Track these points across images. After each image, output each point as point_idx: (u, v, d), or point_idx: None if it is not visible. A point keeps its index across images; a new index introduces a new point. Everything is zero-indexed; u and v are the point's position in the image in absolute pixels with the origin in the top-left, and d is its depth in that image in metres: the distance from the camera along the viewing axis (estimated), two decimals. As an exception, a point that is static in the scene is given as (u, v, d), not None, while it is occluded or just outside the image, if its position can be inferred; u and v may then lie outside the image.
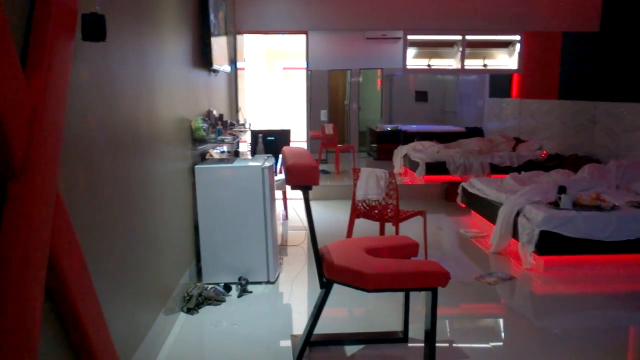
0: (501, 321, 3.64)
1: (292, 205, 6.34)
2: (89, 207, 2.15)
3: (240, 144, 5.90)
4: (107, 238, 2.34)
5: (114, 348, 2.20)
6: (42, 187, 1.64)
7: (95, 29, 2.06)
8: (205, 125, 4.03)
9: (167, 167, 3.36)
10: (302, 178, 2.55)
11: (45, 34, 1.72)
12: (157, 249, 3.10)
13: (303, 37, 7.26)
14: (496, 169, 7.20)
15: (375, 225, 4.54)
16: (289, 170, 2.53)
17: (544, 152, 7.44)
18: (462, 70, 7.33)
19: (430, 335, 2.61)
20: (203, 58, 4.51)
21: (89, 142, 2.18)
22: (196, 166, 3.94)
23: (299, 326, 3.31)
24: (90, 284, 2.00)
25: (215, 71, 5.08)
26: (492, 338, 3.34)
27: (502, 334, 3.44)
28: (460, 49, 7.18)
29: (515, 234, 4.60)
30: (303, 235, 5.42)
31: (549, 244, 4.28)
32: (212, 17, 4.54)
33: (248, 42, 8.15)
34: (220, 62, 5.02)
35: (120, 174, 2.52)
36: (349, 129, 10.74)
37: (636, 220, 4.33)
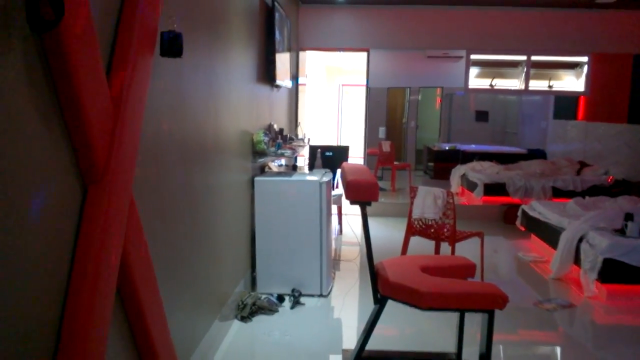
0: (559, 350, 3.52)
1: (347, 221, 6.37)
2: (157, 213, 2.26)
3: (298, 158, 6.00)
4: (171, 244, 2.45)
5: (174, 350, 2.29)
6: (119, 193, 1.75)
7: (172, 46, 2.19)
8: (266, 139, 4.15)
9: (229, 178, 3.48)
10: (361, 194, 2.57)
11: (128, 50, 1.85)
12: (216, 257, 3.20)
13: (363, 54, 7.33)
14: (558, 193, 6.98)
15: (431, 244, 4.50)
16: (349, 186, 2.56)
17: (610, 177, 7.15)
18: (526, 91, 7.18)
19: (485, 359, 2.56)
20: (267, 74, 4.65)
21: (161, 152, 2.30)
22: (256, 178, 4.05)
23: (350, 341, 3.33)
24: (156, 288, 2.10)
25: (277, 86, 5.21)
26: (550, 367, 3.24)
27: (560, 364, 3.33)
28: (525, 69, 7.04)
29: (577, 261, 4.45)
30: (357, 251, 5.43)
31: (613, 272, 4.12)
32: (277, 34, 4.68)
33: (309, 59, 8.30)
34: (283, 77, 5.15)
35: (187, 183, 2.64)
36: (406, 147, 10.68)
37: None
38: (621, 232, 4.34)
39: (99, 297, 1.64)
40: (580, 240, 4.44)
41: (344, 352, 3.16)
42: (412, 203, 4.40)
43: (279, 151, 4.40)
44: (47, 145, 1.46)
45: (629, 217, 4.36)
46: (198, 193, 2.84)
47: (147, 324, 2.01)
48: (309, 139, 6.02)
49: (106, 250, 1.68)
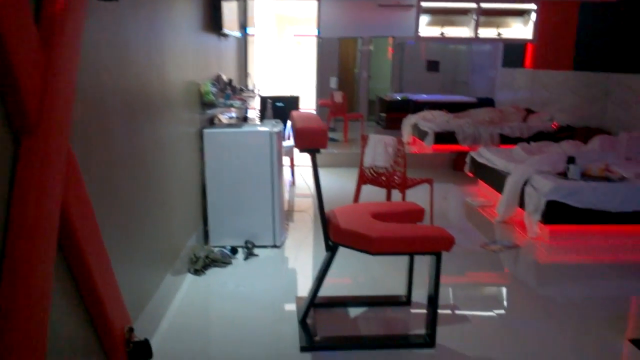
0: (504, 289, 3.68)
1: (299, 172, 6.36)
2: (100, 167, 2.18)
3: (249, 110, 5.89)
4: (118, 198, 2.38)
5: (124, 304, 2.26)
6: (55, 143, 1.67)
7: (106, -13, 2.05)
8: (214, 90, 4.03)
9: (176, 130, 3.38)
10: (310, 141, 2.55)
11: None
12: (166, 210, 3.14)
13: (314, 2, 7.16)
14: (506, 140, 7.16)
15: (382, 192, 4.56)
16: (298, 134, 2.53)
17: (555, 123, 7.38)
18: (476, 39, 7.21)
19: (433, 300, 2.65)
20: (213, 22, 4.48)
21: (103, 103, 2.20)
22: (205, 130, 3.96)
23: (304, 289, 3.37)
24: (100, 241, 2.04)
25: (225, 35, 5.04)
26: (495, 305, 3.39)
27: (505, 302, 3.49)
28: (475, 17, 7.05)
29: (521, 203, 4.61)
30: (310, 202, 5.46)
31: (556, 213, 4.30)
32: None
33: (259, 8, 8.06)
34: (231, 26, 4.98)
35: (131, 136, 2.54)
36: (358, 98, 10.67)
37: (644, 192, 4.32)
38: (564, 175, 4.50)
39: (39, 250, 1.58)
40: (525, 184, 4.59)
41: (298, 299, 3.20)
42: (363, 152, 4.41)
43: (228, 102, 4.30)
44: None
45: (571, 160, 4.52)
46: (144, 146, 2.75)
47: (93, 279, 1.96)
48: (259, 90, 5.90)
49: (44, 204, 1.61)
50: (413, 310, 3.12)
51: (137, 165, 2.63)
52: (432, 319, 2.67)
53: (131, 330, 2.27)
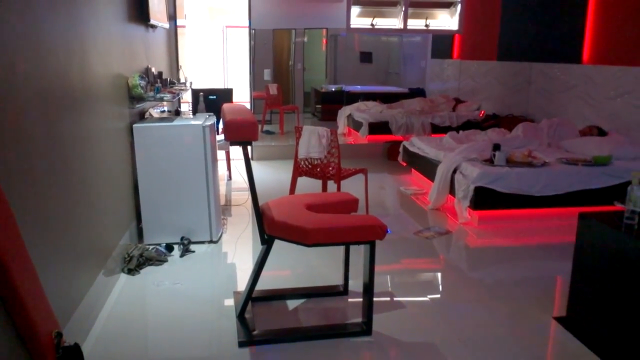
0: (438, 274, 3.81)
1: (235, 166, 6.29)
2: (17, 165, 2.07)
3: (182, 104, 5.77)
4: (40, 198, 2.26)
5: (52, 310, 2.16)
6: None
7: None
8: (142, 83, 3.91)
9: (103, 126, 3.26)
10: (241, 133, 2.53)
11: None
12: (94, 209, 3.03)
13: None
14: (437, 129, 7.37)
15: (318, 183, 4.59)
16: (228, 126, 2.50)
17: (482, 112, 7.66)
18: (405, 30, 7.35)
19: (368, 288, 2.70)
20: (140, 12, 4.33)
21: (16, 97, 2.08)
22: (134, 125, 3.83)
23: (243, 284, 3.35)
24: (22, 246, 1.94)
25: (153, 27, 4.90)
26: (429, 290, 3.50)
27: (439, 287, 3.61)
28: (403, 8, 7.19)
29: (452, 191, 4.77)
30: (246, 196, 5.41)
31: (483, 199, 4.47)
32: (147, -31, 4.34)
33: (188, -2, 7.87)
34: (159, 17, 4.84)
35: (51, 131, 2.43)
36: (294, 90, 10.65)
37: (565, 176, 4.57)
38: (490, 162, 4.69)
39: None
40: (455, 171, 4.75)
41: (235, 294, 3.18)
42: (297, 143, 4.42)
43: (158, 95, 4.18)
44: None
45: (496, 147, 4.71)
46: (66, 142, 2.63)
47: (14, 284, 1.86)
48: (191, 83, 5.78)
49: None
50: (350, 300, 3.17)
51: (58, 163, 2.52)
52: (368, 307, 2.72)
53: (59, 335, 2.18)
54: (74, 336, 2.41)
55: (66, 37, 2.65)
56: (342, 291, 3.20)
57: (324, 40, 11.20)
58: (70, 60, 2.70)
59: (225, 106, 2.83)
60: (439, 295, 3.40)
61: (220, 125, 5.27)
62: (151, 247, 3.78)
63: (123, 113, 3.78)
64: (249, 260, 3.86)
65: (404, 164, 6.18)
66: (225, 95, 5.88)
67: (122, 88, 3.78)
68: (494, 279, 3.62)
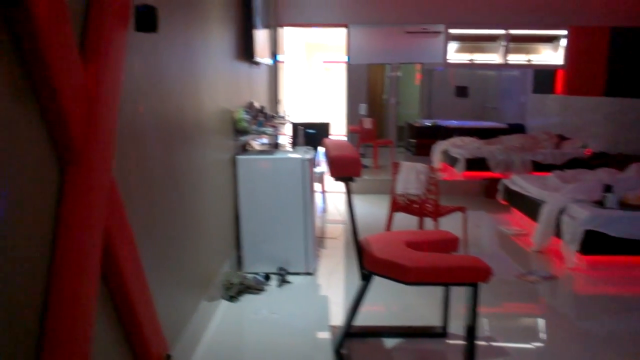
0: (543, 321, 3.58)
1: (330, 199, 6.36)
2: (139, 194, 2.22)
3: (280, 137, 5.94)
4: (155, 225, 2.41)
5: (162, 332, 2.27)
6: (99, 172, 1.70)
7: (147, 20, 2.12)
8: (247, 117, 4.09)
9: (210, 158, 3.43)
10: (345, 170, 2.56)
11: (102, 24, 1.78)
12: (201, 237, 3.17)
13: (342, 30, 7.26)
14: (538, 167, 7.05)
15: (414, 220, 4.52)
16: (332, 162, 2.54)
17: (589, 150, 7.24)
18: (505, 65, 7.19)
19: (471, 332, 2.59)
20: (245, 50, 4.56)
21: (140, 131, 2.25)
22: (238, 157, 4.00)
23: (337, 317, 3.34)
24: (140, 268, 2.06)
25: (257, 63, 5.13)
26: (534, 338, 3.29)
27: (544, 334, 3.39)
28: (504, 43, 7.04)
29: (558, 233, 4.51)
30: (341, 229, 5.43)
31: (593, 243, 4.18)
32: (255, 9, 4.59)
33: (288, 36, 8.19)
34: (262, 54, 5.06)
35: (168, 163, 2.59)
36: (387, 124, 10.66)
37: (686, 222, 4.18)
38: (600, 203, 4.40)
39: (83, 280, 1.60)
40: (561, 212, 4.50)
41: (332, 328, 3.17)
42: (395, 179, 4.40)
43: (261, 129, 4.35)
44: (21, 126, 1.40)
45: (607, 188, 4.42)
46: (180, 173, 2.79)
47: (133, 306, 1.97)
48: (290, 117, 5.96)
49: (88, 232, 1.64)
50: (450, 342, 3.06)
51: (173, 192, 2.67)
52: (470, 351, 2.61)
53: (169, 357, 2.28)
54: (179, 358, 2.50)
55: (182, 76, 2.84)
56: (441, 332, 3.09)
57: (418, 75, 11.18)
58: (184, 97, 2.89)
59: (329, 141, 2.88)
60: (544, 344, 3.19)
61: (318, 158, 5.36)
62: (250, 275, 3.88)
63: (228, 145, 3.95)
64: (342, 293, 3.85)
65: (504, 203, 5.94)
66: (323, 129, 6.00)
67: (228, 122, 3.97)
68: (606, 330, 3.35)
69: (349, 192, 2.73)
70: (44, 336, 1.48)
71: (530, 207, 5.16)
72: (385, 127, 10.72)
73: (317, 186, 5.72)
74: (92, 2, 1.77)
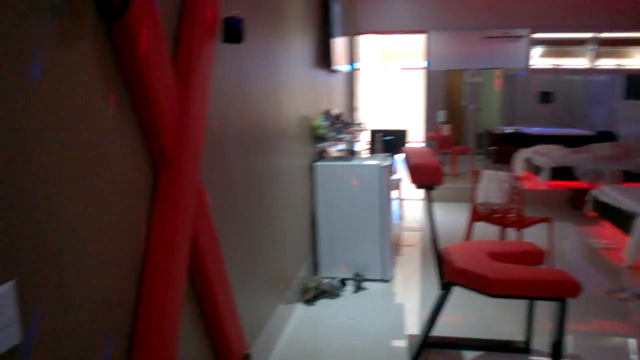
0: (634, 341, 3.35)
1: (407, 206, 6.29)
2: (222, 199, 2.30)
3: (356, 144, 5.96)
4: (236, 229, 2.48)
5: (242, 333, 2.33)
6: (188, 177, 1.78)
7: (234, 32, 2.20)
8: (325, 124, 4.13)
9: (289, 164, 3.49)
10: (426, 178, 2.53)
11: (193, 36, 1.87)
12: (279, 241, 3.23)
13: (418, 36, 7.18)
14: (630, 177, 6.61)
15: (494, 230, 4.37)
16: (413, 170, 2.51)
17: (688, 159, 6.71)
18: (594, 70, 6.83)
19: (557, 349, 2.47)
20: (324, 58, 4.62)
21: (225, 138, 2.33)
22: (315, 163, 4.05)
23: (413, 326, 3.29)
24: (224, 271, 2.13)
25: (334, 71, 5.18)
26: (624, 359, 3.09)
27: (635, 356, 3.16)
28: (593, 47, 6.69)
29: (653, 248, 4.21)
30: (417, 236, 5.36)
31: (695, 260, 3.87)
32: (333, 18, 4.64)
33: (365, 43, 8.21)
34: (339, 62, 5.11)
35: (250, 169, 2.66)
36: (466, 131, 10.41)
37: None
38: (703, 217, 4.06)
39: (172, 278, 1.68)
40: (657, 226, 4.20)
41: (410, 337, 3.12)
42: (475, 188, 4.28)
43: (339, 136, 4.38)
44: (118, 132, 1.50)
45: None
46: (261, 179, 2.86)
47: (217, 305, 2.05)
48: (366, 124, 5.96)
49: (178, 233, 1.71)
50: (533, 358, 2.93)
51: (254, 197, 2.74)
52: (555, 369, 2.49)
53: (247, 356, 2.33)
54: (259, 358, 2.56)
55: (263, 84, 2.92)
56: (523, 348, 2.97)
57: (499, 80, 10.83)
58: (266, 104, 2.97)
59: (409, 149, 2.85)
60: (637, 367, 2.98)
61: (395, 165, 5.33)
62: (326, 280, 3.91)
63: (306, 152, 4.01)
64: (419, 302, 3.78)
65: (593, 214, 5.63)
66: (401, 136, 5.95)
67: (307, 128, 4.03)
68: None
69: (429, 200, 2.69)
70: (135, 328, 1.56)
71: (622, 219, 4.85)
72: (464, 134, 10.47)
73: (393, 193, 5.68)
74: (185, 15, 1.86)
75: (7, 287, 1.09)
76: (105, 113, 1.42)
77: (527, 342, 2.96)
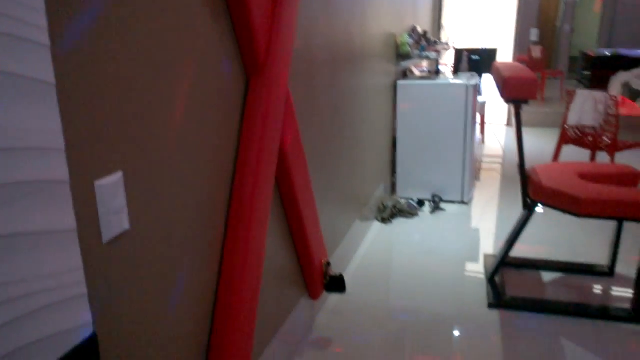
0: None
1: (489, 130, 6.10)
2: (306, 110, 2.33)
3: (440, 64, 5.75)
4: (318, 142, 2.52)
5: (324, 242, 2.43)
6: (278, 84, 1.82)
7: None
8: (410, 41, 4.01)
9: (372, 82, 3.45)
10: (520, 91, 2.41)
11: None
12: (359, 159, 3.26)
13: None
14: None
15: (584, 154, 4.17)
16: (506, 83, 2.41)
17: None
18: None
19: (644, 272, 2.39)
20: (411, -29, 4.41)
21: (311, 51, 2.32)
22: (399, 82, 3.97)
23: (490, 248, 3.28)
24: (309, 181, 2.19)
25: (421, -15, 4.94)
26: None
27: None
28: None
29: None
30: (498, 162, 5.21)
31: None
32: None
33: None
34: (428, -25, 4.85)
35: (333, 85, 2.66)
36: (559, 53, 9.76)
37: None
38: None
39: (261, 181, 1.75)
40: None
41: (485, 257, 3.13)
42: (568, 109, 4.06)
43: (424, 54, 4.25)
44: (217, 40, 1.53)
45: None
46: (345, 96, 2.86)
47: (302, 216, 2.13)
48: (453, 43, 5.72)
49: (267, 137, 1.77)
50: (616, 282, 2.86)
51: (336, 113, 2.76)
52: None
53: (328, 264, 2.44)
54: (336, 269, 2.67)
55: (350, 3, 2.85)
56: (606, 272, 2.90)
57: (599, 0, 9.92)
58: (352, 19, 2.90)
59: (500, 63, 2.72)
60: None
61: (482, 86, 5.12)
62: (403, 200, 3.93)
63: (390, 70, 3.93)
64: (497, 225, 3.74)
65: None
66: (489, 55, 5.67)
67: (391, 46, 3.93)
68: None
69: (518, 116, 2.59)
70: (227, 227, 1.67)
71: None
72: (556, 56, 9.84)
73: (477, 116, 5.51)
74: None
75: (118, 176, 1.18)
76: (205, 18, 1.45)
77: (611, 267, 2.89)
